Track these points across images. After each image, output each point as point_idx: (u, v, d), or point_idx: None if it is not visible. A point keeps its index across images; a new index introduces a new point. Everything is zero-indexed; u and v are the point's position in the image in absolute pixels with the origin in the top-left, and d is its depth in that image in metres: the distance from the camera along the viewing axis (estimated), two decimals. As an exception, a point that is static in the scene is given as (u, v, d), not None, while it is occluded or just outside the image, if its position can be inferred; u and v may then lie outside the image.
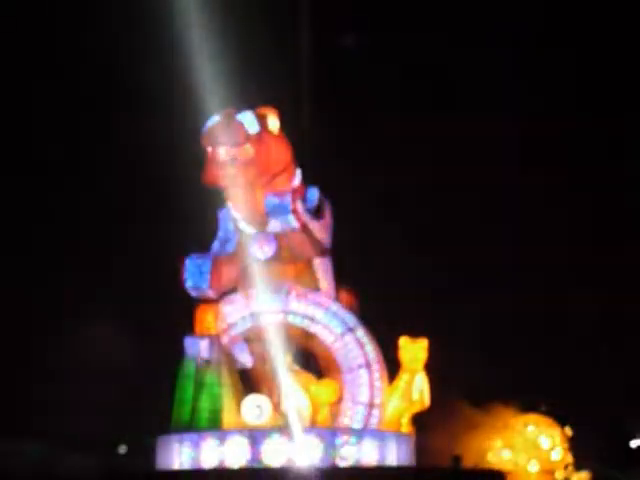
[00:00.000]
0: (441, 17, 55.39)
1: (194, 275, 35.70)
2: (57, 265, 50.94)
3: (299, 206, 34.37)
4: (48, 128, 52.82)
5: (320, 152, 42.33)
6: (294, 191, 34.60)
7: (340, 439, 33.20)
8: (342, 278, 38.01)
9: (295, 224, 34.29)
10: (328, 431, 33.57)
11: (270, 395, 36.00)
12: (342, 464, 32.84)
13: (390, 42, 52.89)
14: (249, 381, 37.41)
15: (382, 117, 51.75)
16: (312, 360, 37.42)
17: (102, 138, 51.85)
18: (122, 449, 45.95)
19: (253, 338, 37.25)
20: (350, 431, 33.98)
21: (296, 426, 33.46)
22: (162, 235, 47.05)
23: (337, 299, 37.24)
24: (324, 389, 35.81)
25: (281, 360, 36.48)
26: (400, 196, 52.60)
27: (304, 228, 34.66)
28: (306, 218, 34.76)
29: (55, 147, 52.18)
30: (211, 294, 36.24)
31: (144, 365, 46.87)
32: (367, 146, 52.21)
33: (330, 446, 32.84)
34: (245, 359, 37.40)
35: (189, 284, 35.82)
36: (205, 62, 36.90)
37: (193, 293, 36.10)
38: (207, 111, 35.35)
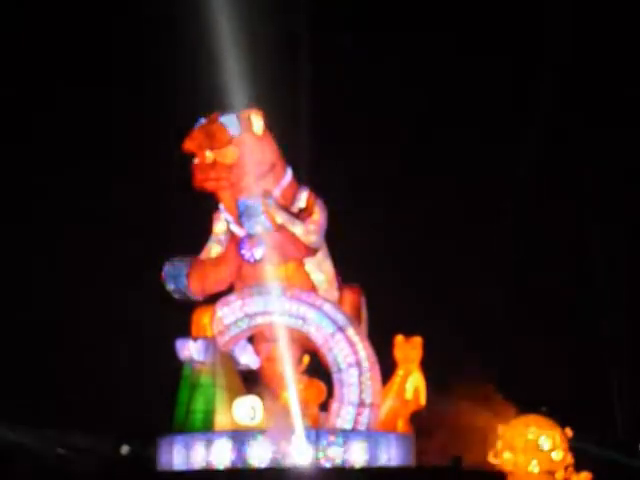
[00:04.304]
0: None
1: (173, 278, 35.96)
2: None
3: (272, 207, 34.38)
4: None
5: (319, 151, 42.53)
6: (265, 192, 34.58)
7: (326, 439, 33.36)
8: (346, 276, 38.17)
9: (269, 225, 34.30)
10: (313, 431, 33.64)
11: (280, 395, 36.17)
12: (327, 465, 32.98)
13: (388, 43, 52.97)
14: (255, 382, 37.53)
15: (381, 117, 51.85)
16: (314, 360, 37.45)
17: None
18: (124, 450, 46.04)
19: (260, 338, 37.36)
20: (336, 431, 34.04)
21: (299, 426, 33.69)
22: (164, 236, 47.26)
23: (340, 298, 37.29)
24: (311, 389, 35.87)
25: (287, 360, 36.70)
26: (399, 195, 52.63)
27: (280, 229, 34.67)
28: (284, 219, 34.76)
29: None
30: (193, 297, 36.42)
31: (147, 366, 47.09)
32: (366, 145, 52.24)
33: (315, 447, 32.97)
34: (249, 360, 37.48)
35: (169, 287, 36.10)
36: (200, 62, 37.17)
37: (175, 296, 36.36)
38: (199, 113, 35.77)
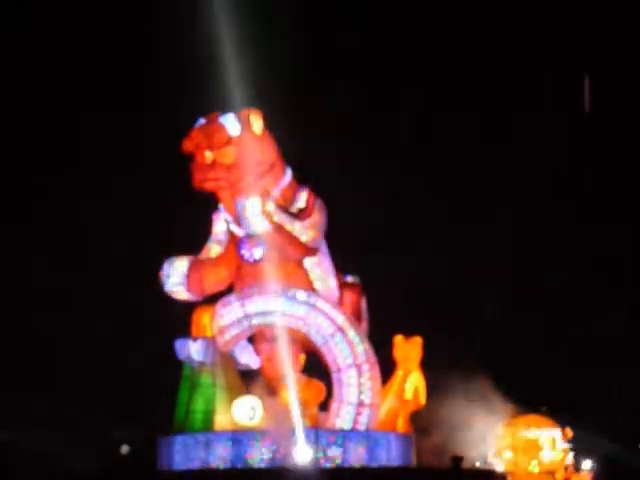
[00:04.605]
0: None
1: (172, 277, 35.90)
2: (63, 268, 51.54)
3: (270, 207, 34.39)
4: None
5: (319, 151, 42.55)
6: (264, 192, 34.59)
7: (325, 439, 33.36)
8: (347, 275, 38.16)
9: (267, 225, 34.30)
10: (313, 431, 33.65)
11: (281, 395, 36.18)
12: (327, 465, 32.97)
13: (388, 43, 53.03)
14: (255, 382, 37.54)
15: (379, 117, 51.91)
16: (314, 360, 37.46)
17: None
18: (124, 450, 46.15)
19: (260, 338, 37.37)
20: (336, 432, 34.06)
21: (298, 426, 33.71)
22: (165, 236, 47.29)
23: (340, 297, 37.27)
24: (310, 389, 35.84)
25: (287, 360, 36.70)
26: (399, 195, 52.68)
27: (279, 229, 34.67)
28: (282, 219, 34.74)
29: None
30: (191, 296, 36.38)
31: (147, 366, 47.11)
32: (366, 145, 52.28)
33: (315, 447, 32.98)
34: (249, 360, 37.46)
35: (167, 287, 36.09)
36: (198, 63, 37.22)
37: (173, 295, 36.32)
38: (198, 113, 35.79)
